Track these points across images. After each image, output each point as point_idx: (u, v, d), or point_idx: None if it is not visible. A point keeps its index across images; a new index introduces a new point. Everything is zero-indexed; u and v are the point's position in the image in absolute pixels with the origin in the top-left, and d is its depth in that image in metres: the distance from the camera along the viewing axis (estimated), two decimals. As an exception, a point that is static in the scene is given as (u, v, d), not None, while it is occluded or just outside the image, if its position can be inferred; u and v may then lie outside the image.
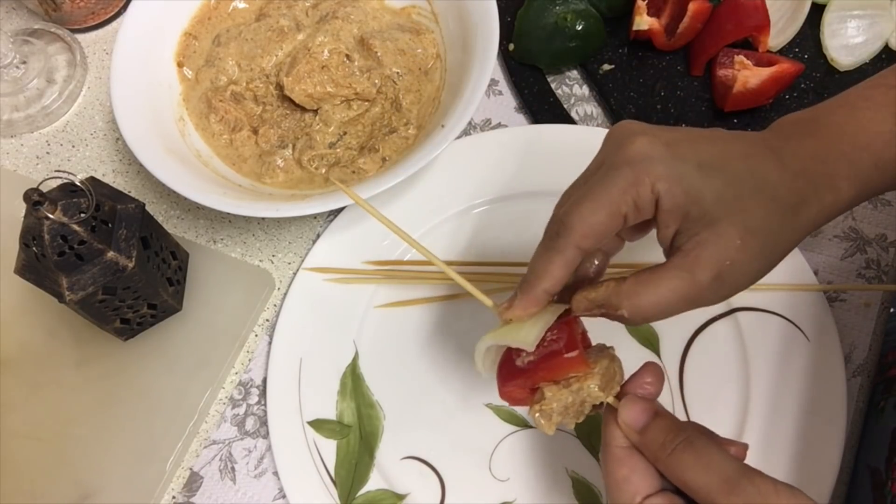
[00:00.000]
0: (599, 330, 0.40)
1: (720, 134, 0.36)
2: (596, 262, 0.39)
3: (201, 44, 0.61)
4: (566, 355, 0.36)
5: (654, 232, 0.37)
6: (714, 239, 0.33)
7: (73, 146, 0.64)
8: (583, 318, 0.38)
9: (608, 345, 0.39)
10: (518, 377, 0.37)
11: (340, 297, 0.54)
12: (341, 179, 0.56)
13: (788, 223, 0.34)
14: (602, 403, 0.37)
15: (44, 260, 0.45)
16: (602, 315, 0.36)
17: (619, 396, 0.37)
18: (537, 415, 0.37)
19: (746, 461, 0.34)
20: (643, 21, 0.59)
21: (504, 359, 0.38)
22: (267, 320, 0.56)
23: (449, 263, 0.55)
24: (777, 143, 0.35)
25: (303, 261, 0.56)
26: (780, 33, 0.59)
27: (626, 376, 0.38)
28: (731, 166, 0.33)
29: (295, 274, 0.55)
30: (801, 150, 0.35)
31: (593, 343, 0.39)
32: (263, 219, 0.59)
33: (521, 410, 0.51)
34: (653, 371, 0.37)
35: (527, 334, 0.36)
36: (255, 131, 0.59)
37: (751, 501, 0.31)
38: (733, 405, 0.49)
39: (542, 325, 0.36)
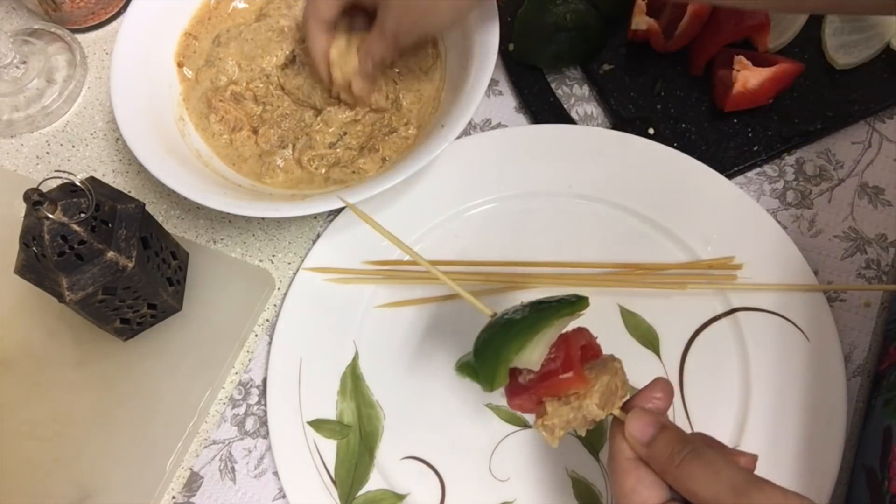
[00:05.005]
0: (602, 333, 0.40)
1: None
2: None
3: (201, 44, 0.61)
4: (561, 376, 0.36)
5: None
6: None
7: (73, 146, 0.64)
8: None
9: (614, 356, 0.39)
10: (522, 393, 0.38)
11: (340, 297, 0.54)
12: (341, 179, 0.56)
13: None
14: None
15: (44, 260, 0.45)
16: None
17: (626, 409, 0.37)
18: (541, 429, 0.37)
19: None
20: (641, 21, 0.59)
21: (509, 374, 0.38)
22: (267, 320, 0.56)
23: (448, 263, 0.55)
24: None
25: (303, 261, 0.56)
26: (780, 34, 0.59)
27: (633, 383, 0.38)
28: None
29: (295, 274, 0.55)
30: None
31: (604, 351, 0.39)
32: (263, 219, 0.59)
33: (521, 410, 0.51)
34: (662, 386, 0.37)
35: (530, 354, 0.36)
36: (255, 131, 0.59)
37: None
38: (733, 405, 0.49)
39: (544, 343, 0.37)
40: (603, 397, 0.36)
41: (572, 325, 0.39)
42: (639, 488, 0.35)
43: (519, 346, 0.36)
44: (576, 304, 0.38)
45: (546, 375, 0.37)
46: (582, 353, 0.37)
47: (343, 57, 0.54)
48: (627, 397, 0.38)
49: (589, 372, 0.37)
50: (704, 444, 0.35)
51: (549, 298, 0.38)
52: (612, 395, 0.37)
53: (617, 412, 0.37)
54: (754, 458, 0.36)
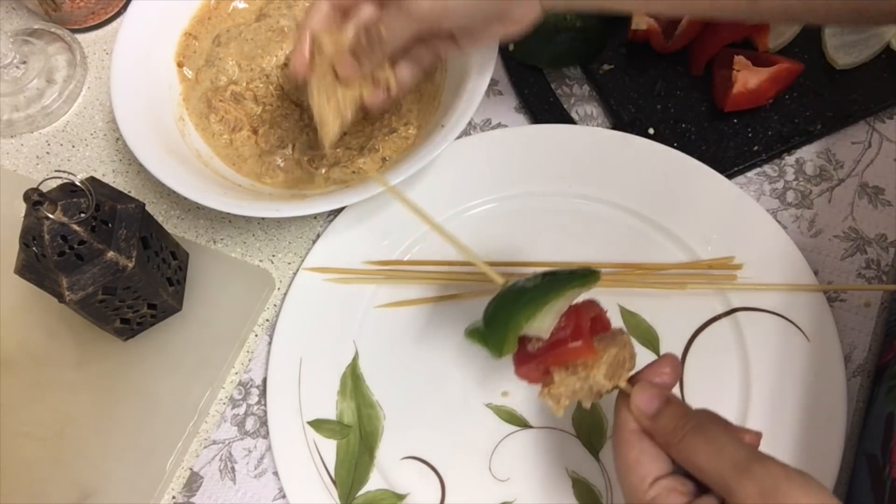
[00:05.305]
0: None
1: None
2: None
3: (201, 44, 0.61)
4: (570, 345, 0.36)
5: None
6: None
7: (73, 146, 0.64)
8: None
9: (623, 329, 0.39)
10: (530, 361, 0.38)
11: (340, 297, 0.54)
12: (341, 179, 0.56)
13: None
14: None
15: (44, 260, 0.45)
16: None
17: (632, 382, 0.37)
18: (547, 397, 0.37)
19: None
20: (641, 21, 0.59)
21: (518, 342, 0.38)
22: (267, 320, 0.56)
23: (448, 263, 0.55)
24: None
25: (303, 261, 0.56)
26: (780, 34, 0.59)
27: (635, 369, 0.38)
28: None
29: (295, 274, 0.55)
30: None
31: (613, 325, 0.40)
32: (263, 219, 0.59)
33: (522, 411, 0.51)
34: (670, 362, 0.37)
35: (540, 322, 0.36)
36: (255, 131, 0.59)
37: (763, 485, 0.31)
38: (733, 405, 0.49)
39: (555, 312, 0.37)
40: (610, 369, 0.36)
41: (582, 298, 0.39)
42: (642, 460, 0.35)
43: (530, 313, 0.36)
44: (588, 277, 0.38)
45: (555, 344, 0.37)
46: (591, 325, 0.38)
47: (337, 32, 0.46)
48: (635, 371, 0.38)
49: (598, 343, 0.37)
50: (709, 420, 0.35)
51: (561, 270, 0.38)
52: (620, 368, 0.37)
53: (623, 384, 0.37)
54: (759, 435, 0.35)
